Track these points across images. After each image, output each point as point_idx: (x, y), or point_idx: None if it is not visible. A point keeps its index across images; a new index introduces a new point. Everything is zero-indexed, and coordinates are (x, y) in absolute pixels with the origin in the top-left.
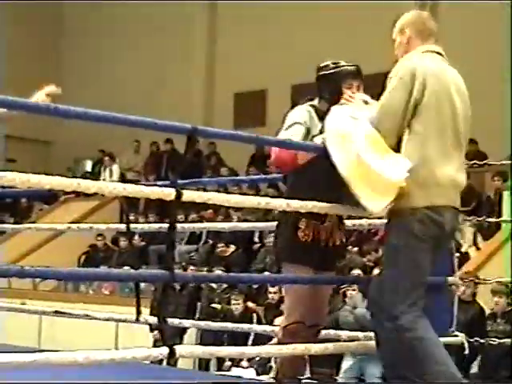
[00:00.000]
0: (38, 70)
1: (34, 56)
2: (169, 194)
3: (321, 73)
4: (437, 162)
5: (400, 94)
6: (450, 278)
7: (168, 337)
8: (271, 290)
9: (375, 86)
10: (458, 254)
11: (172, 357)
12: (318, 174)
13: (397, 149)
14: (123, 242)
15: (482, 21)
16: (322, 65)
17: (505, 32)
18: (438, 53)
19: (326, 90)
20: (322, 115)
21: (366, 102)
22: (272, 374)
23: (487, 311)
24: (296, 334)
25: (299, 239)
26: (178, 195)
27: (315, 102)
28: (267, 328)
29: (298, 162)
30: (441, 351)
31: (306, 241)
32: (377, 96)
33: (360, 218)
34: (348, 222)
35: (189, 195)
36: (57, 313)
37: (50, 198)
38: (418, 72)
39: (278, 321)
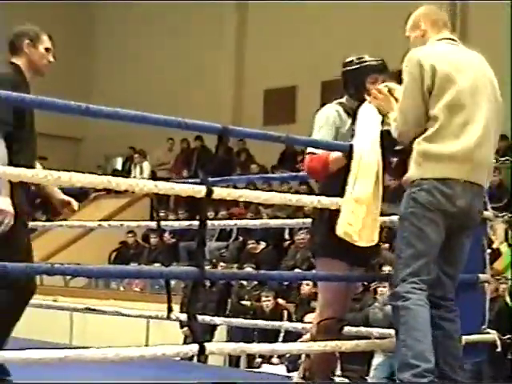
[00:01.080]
0: (71, 64)
1: (68, 50)
2: (199, 191)
3: (345, 68)
4: (449, 138)
5: (413, 93)
6: (482, 276)
7: (198, 334)
8: (305, 285)
9: None
10: (489, 251)
11: (202, 353)
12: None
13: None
14: (154, 239)
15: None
16: (346, 60)
17: (505, 32)
18: (452, 39)
19: (352, 85)
20: (350, 112)
21: (390, 92)
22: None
23: None
24: (329, 330)
25: (336, 235)
26: (209, 192)
27: (343, 99)
28: (298, 325)
29: (330, 169)
30: (422, 327)
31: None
32: None
33: (390, 214)
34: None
35: (219, 192)
36: (88, 310)
37: (81, 195)
38: (423, 61)
39: (310, 317)
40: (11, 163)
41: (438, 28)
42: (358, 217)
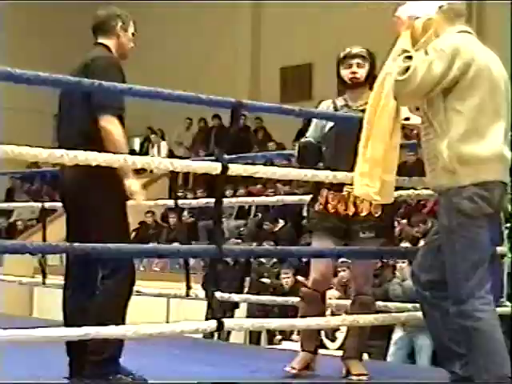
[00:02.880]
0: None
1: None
2: (215, 168)
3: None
4: (480, 139)
5: (440, 65)
6: (499, 248)
7: (218, 311)
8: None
9: None
10: (508, 225)
11: (220, 329)
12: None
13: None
14: (172, 219)
15: None
16: None
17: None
18: (469, 33)
19: (338, 76)
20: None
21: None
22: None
23: None
24: (309, 299)
25: (315, 209)
26: (224, 169)
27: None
28: None
29: None
30: (500, 349)
31: (321, 210)
32: None
33: (408, 188)
34: (395, 193)
35: (235, 169)
36: None
37: None
38: (462, 50)
39: (329, 294)
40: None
41: (452, 19)
42: (375, 177)
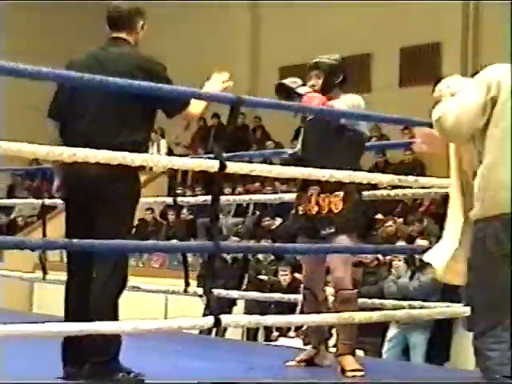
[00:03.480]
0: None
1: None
2: (212, 165)
3: None
4: (501, 162)
5: (478, 94)
6: None
7: (215, 308)
8: None
9: None
10: None
11: (218, 326)
12: None
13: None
14: (171, 216)
15: None
16: None
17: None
18: None
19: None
20: None
21: None
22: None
23: None
24: (351, 301)
25: (292, 212)
26: (222, 167)
27: None
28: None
29: None
30: None
31: (295, 211)
32: None
33: (404, 187)
34: (391, 192)
35: (232, 166)
36: None
37: None
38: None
39: (328, 291)
40: None
41: None
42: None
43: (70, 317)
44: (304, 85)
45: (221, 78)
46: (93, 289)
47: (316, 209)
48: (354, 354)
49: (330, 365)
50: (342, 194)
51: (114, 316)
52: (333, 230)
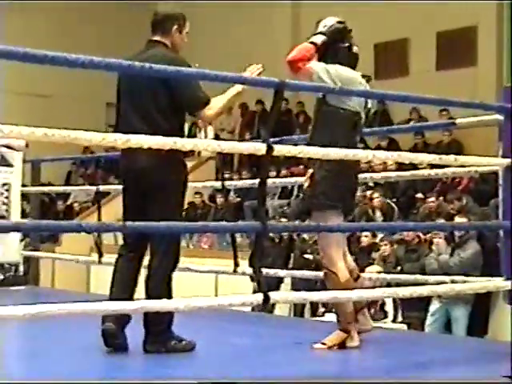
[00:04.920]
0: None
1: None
2: (260, 148)
3: None
4: None
5: None
6: None
7: (264, 285)
8: (364, 236)
9: None
10: None
11: (267, 302)
12: None
13: None
14: (219, 199)
15: None
16: None
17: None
18: None
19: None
20: None
21: None
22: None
23: None
24: (328, 280)
25: (338, 186)
26: (269, 149)
27: None
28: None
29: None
30: None
31: None
32: None
33: (443, 166)
34: (432, 172)
35: (279, 149)
36: None
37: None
38: None
39: (371, 269)
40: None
41: None
42: None
43: (115, 288)
44: None
45: (255, 68)
46: (151, 266)
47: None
48: (346, 331)
49: (370, 329)
50: (310, 170)
51: (168, 290)
52: (300, 208)
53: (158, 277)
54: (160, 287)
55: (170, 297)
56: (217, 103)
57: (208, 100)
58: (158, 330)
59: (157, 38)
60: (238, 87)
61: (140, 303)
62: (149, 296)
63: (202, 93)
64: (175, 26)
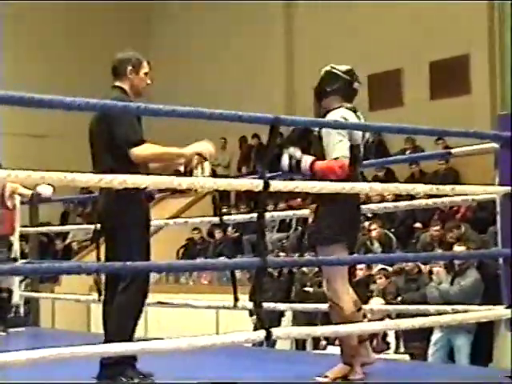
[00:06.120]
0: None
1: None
2: (257, 185)
3: None
4: None
5: None
6: None
7: (265, 321)
8: (359, 269)
9: None
10: None
11: (269, 338)
12: None
13: None
14: (218, 234)
15: None
16: None
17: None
18: None
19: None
20: None
21: None
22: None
23: None
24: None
25: (342, 220)
26: (266, 185)
27: None
28: None
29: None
30: None
31: None
32: None
33: (440, 196)
34: (429, 201)
35: (276, 185)
36: (160, 303)
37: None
38: None
39: (376, 302)
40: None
41: None
42: None
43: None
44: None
45: (208, 144)
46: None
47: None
48: (350, 365)
49: (374, 361)
50: (313, 206)
51: (127, 326)
52: (306, 243)
53: (117, 312)
54: (117, 324)
55: (129, 334)
56: (153, 149)
57: (139, 141)
58: (108, 363)
59: (115, 82)
60: (196, 148)
61: (141, 344)
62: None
63: (134, 133)
64: (129, 68)
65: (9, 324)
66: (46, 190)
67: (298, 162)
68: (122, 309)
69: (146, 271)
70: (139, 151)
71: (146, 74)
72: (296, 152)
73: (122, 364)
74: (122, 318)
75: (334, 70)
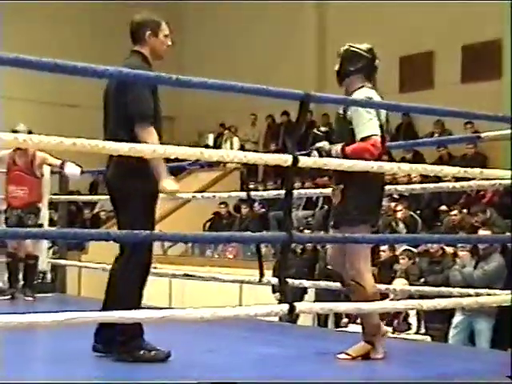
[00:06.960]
0: None
1: None
2: (286, 160)
3: None
4: None
5: None
6: None
7: (288, 294)
8: (382, 251)
9: None
10: None
11: (292, 312)
12: None
13: None
14: (244, 209)
15: None
16: None
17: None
18: None
19: None
20: None
21: None
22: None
23: None
24: (353, 292)
25: (368, 200)
26: (295, 161)
27: None
28: (381, 286)
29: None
30: None
31: None
32: None
33: (469, 179)
34: (457, 184)
35: (305, 161)
36: (186, 276)
37: (177, 169)
38: None
39: (399, 283)
40: None
41: None
42: None
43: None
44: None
45: (175, 186)
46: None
47: (333, 201)
48: (371, 343)
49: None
50: (341, 186)
51: (133, 296)
52: (332, 223)
53: (121, 280)
54: (122, 291)
55: (137, 303)
56: (151, 144)
57: (148, 116)
58: (123, 339)
59: (135, 47)
60: (166, 184)
61: (165, 312)
62: (107, 298)
63: (147, 107)
64: (148, 32)
65: (36, 289)
66: (74, 171)
67: (328, 153)
68: (125, 279)
69: (148, 242)
70: (147, 135)
71: (166, 36)
72: (323, 145)
73: (136, 338)
74: (125, 287)
75: (355, 49)
